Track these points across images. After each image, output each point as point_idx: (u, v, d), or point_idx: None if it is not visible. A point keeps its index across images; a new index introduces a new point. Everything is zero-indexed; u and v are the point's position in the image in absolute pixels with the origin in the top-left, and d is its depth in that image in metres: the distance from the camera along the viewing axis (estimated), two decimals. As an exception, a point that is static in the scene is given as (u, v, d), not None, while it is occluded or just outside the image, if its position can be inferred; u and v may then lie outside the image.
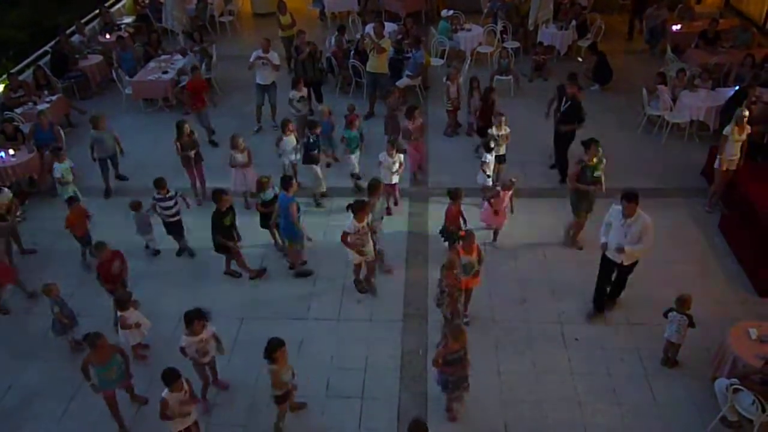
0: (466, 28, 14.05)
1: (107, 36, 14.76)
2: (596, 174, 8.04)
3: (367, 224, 7.37)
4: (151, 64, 13.06)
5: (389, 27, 13.29)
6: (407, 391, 6.73)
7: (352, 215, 7.29)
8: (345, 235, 7.32)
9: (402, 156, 9.11)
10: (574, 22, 13.77)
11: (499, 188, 8.39)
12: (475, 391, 6.34)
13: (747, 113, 8.53)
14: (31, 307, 7.98)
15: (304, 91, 10.87)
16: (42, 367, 7.18)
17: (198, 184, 9.78)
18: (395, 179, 9.10)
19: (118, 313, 6.83)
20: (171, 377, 5.55)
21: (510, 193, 8.36)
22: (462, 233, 7.43)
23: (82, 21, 15.09)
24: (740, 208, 8.78)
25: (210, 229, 7.95)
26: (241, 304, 7.95)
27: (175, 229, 8.62)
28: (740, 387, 5.84)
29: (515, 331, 7.37)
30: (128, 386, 6.49)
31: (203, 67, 12.76)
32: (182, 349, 6.22)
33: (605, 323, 7.45)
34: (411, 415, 6.39)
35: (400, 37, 13.06)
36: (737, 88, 10.31)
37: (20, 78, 12.34)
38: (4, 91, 12.00)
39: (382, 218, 8.39)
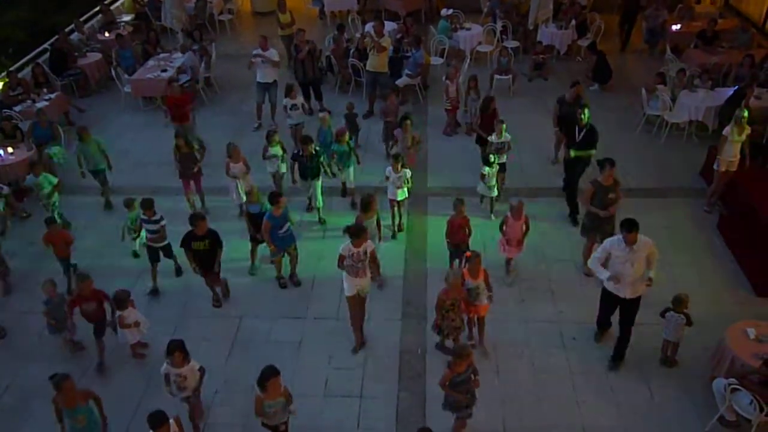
0: (466, 27, 14.04)
1: (106, 34, 14.77)
2: (610, 196, 7.51)
3: (365, 252, 6.69)
4: (150, 62, 13.03)
5: (389, 26, 13.27)
6: (406, 390, 6.74)
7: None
8: (341, 258, 6.72)
9: (408, 172, 8.60)
10: (573, 22, 13.76)
11: (508, 214, 7.76)
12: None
13: (746, 114, 8.52)
14: (31, 307, 7.96)
15: (298, 99, 10.47)
16: (41, 367, 7.12)
17: (195, 196, 9.36)
18: (400, 195, 8.67)
19: (117, 313, 6.81)
20: (157, 421, 5.01)
21: (521, 222, 7.66)
22: (468, 254, 6.88)
23: (81, 19, 15.09)
24: (739, 209, 8.79)
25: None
26: (241, 302, 7.94)
27: (165, 254, 8.05)
28: (738, 387, 5.87)
29: (514, 331, 7.37)
30: None
31: (202, 65, 12.76)
32: (165, 377, 5.90)
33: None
34: (410, 415, 6.44)
35: (399, 36, 13.04)
36: (736, 88, 10.32)
37: (19, 76, 12.33)
38: (2, 89, 11.99)
39: (380, 240, 7.92)
